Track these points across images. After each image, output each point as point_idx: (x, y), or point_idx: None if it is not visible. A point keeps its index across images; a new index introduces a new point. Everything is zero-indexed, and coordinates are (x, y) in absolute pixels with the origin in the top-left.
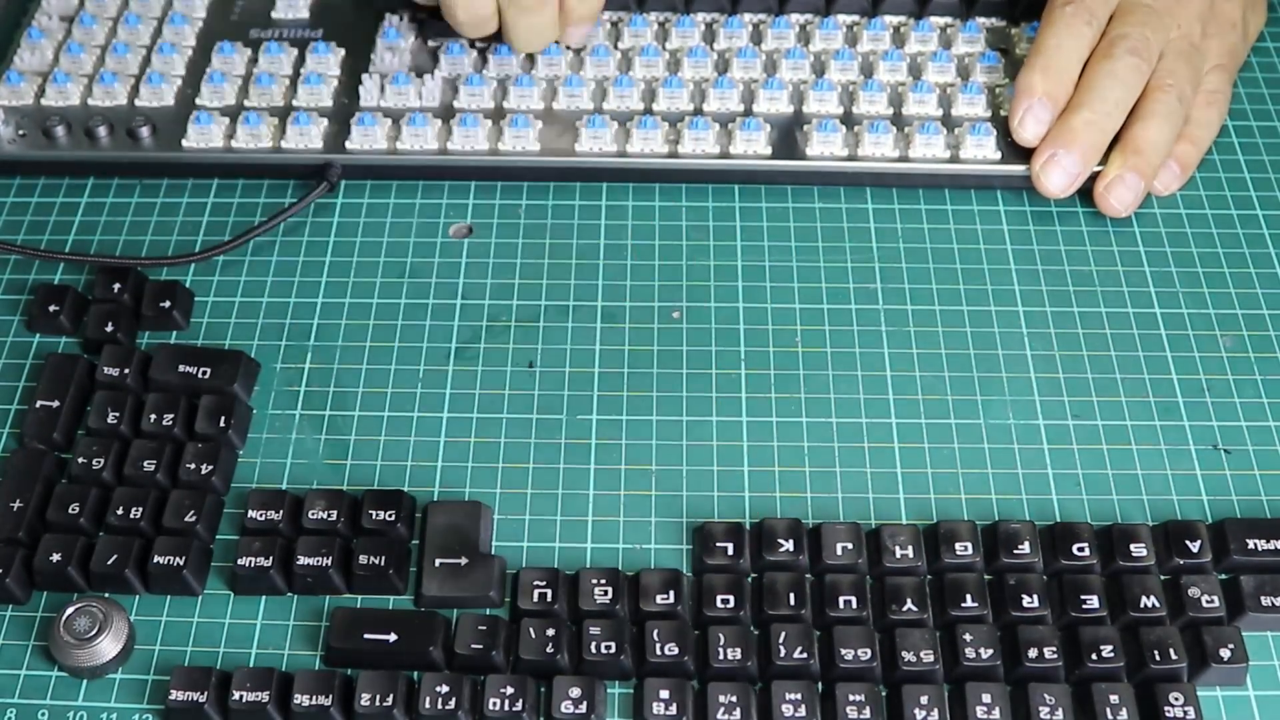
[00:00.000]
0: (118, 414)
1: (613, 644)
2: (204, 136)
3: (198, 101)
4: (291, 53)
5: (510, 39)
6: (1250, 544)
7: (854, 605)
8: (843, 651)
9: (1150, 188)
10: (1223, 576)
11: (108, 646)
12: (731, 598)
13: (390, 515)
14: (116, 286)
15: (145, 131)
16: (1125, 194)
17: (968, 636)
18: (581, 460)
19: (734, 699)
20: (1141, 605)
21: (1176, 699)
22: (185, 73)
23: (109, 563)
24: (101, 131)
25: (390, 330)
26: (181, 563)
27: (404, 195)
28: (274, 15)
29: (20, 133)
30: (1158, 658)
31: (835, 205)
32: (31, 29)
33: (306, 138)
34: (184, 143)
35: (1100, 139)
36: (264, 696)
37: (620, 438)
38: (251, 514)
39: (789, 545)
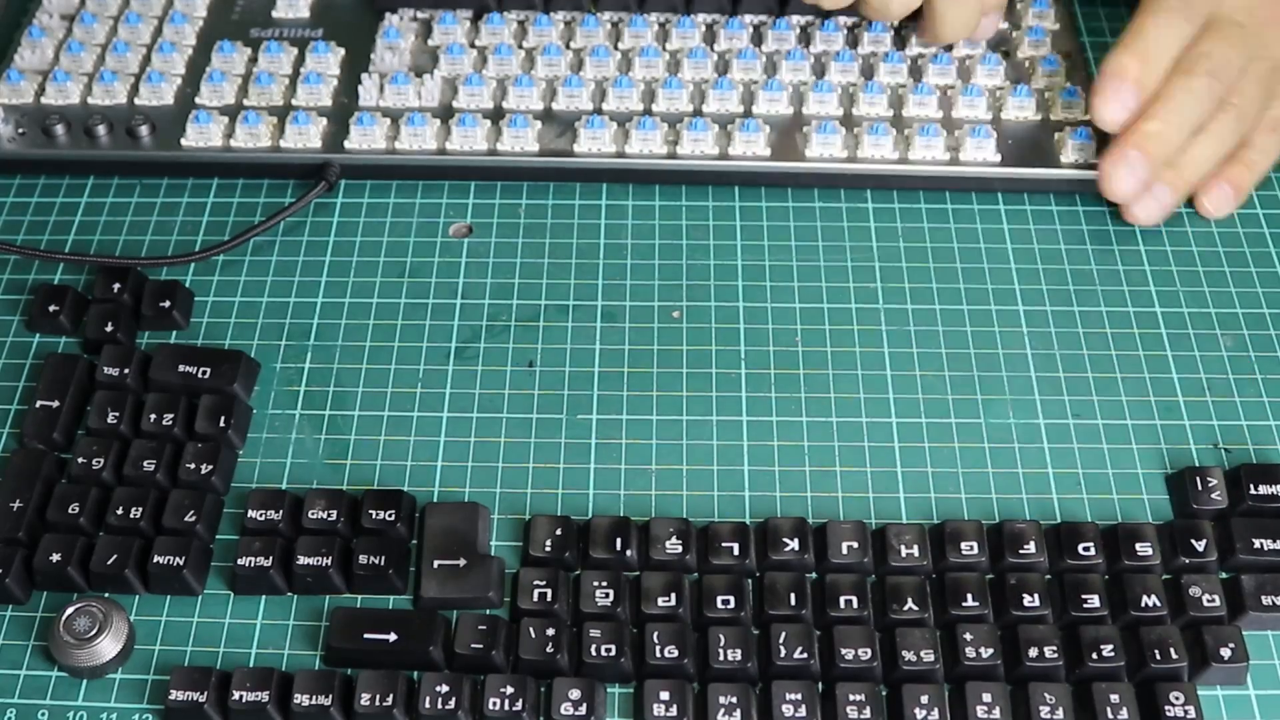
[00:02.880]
0: (118, 414)
1: (613, 647)
2: (203, 136)
3: (197, 101)
4: (291, 52)
5: (934, 28)
6: (1256, 543)
7: (855, 605)
8: (843, 651)
9: (1177, 199)
10: (1225, 576)
11: (108, 646)
12: (732, 598)
13: (390, 515)
14: (116, 286)
15: (145, 130)
16: (1125, 173)
17: (968, 636)
18: (581, 460)
19: (734, 699)
20: (1142, 605)
21: (1177, 698)
22: (185, 72)
23: (109, 563)
24: (101, 130)
25: (390, 330)
26: (181, 563)
27: (404, 195)
28: (274, 14)
29: (20, 131)
30: (1158, 657)
31: (835, 205)
32: (32, 27)
33: (305, 137)
34: (183, 142)
35: (1165, 151)
36: (264, 696)
37: (620, 438)
38: (251, 514)
39: (794, 544)
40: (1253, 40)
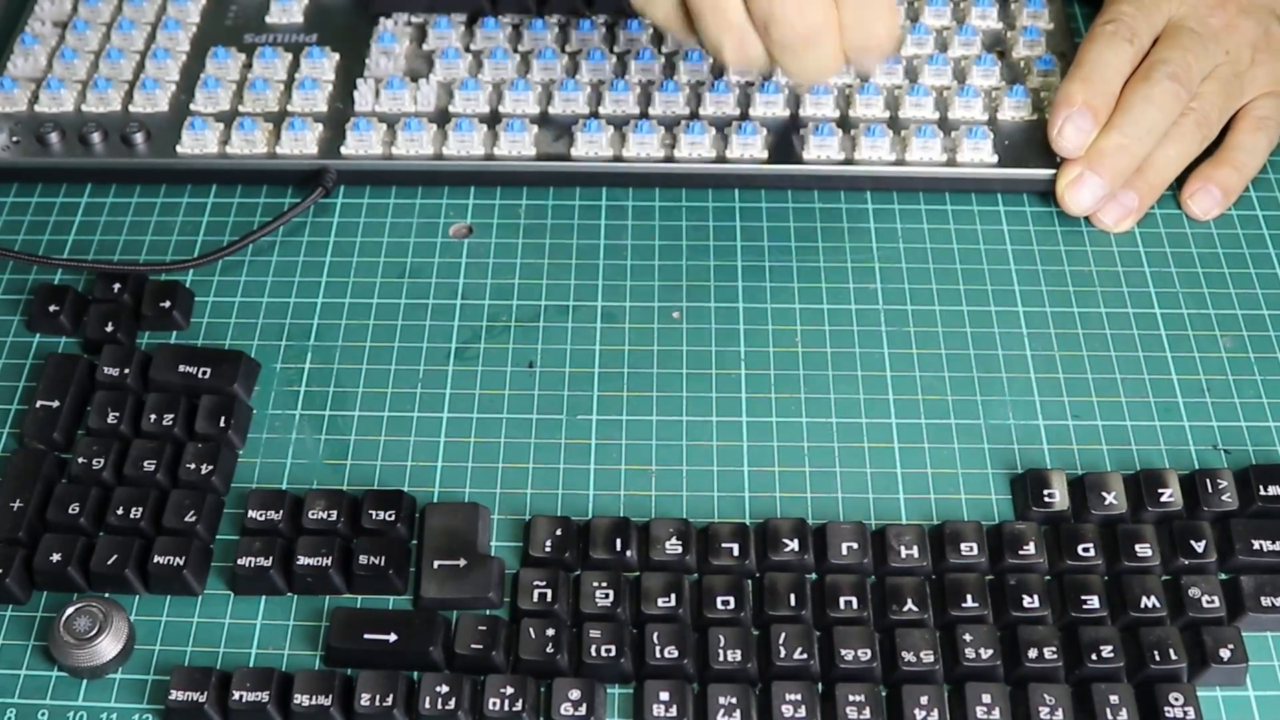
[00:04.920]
0: (118, 414)
1: (613, 647)
2: (199, 142)
3: (192, 107)
4: (286, 57)
5: (787, 74)
6: (1255, 544)
7: (854, 605)
8: (843, 652)
9: (1144, 205)
10: (1225, 577)
11: (108, 646)
12: (732, 599)
13: (390, 515)
14: (116, 287)
15: (140, 138)
16: (1083, 194)
17: (968, 637)
18: (581, 460)
19: (734, 700)
20: (1142, 605)
21: (1176, 699)
22: (179, 78)
23: (109, 563)
24: (96, 138)
25: (390, 330)
26: (181, 563)
27: (404, 196)
28: (268, 20)
29: (14, 139)
30: (1158, 658)
31: (835, 206)
32: (24, 35)
33: (301, 143)
34: (179, 149)
35: (1129, 163)
36: (264, 696)
37: (620, 438)
38: (251, 514)
39: (794, 545)
40: (1211, 45)
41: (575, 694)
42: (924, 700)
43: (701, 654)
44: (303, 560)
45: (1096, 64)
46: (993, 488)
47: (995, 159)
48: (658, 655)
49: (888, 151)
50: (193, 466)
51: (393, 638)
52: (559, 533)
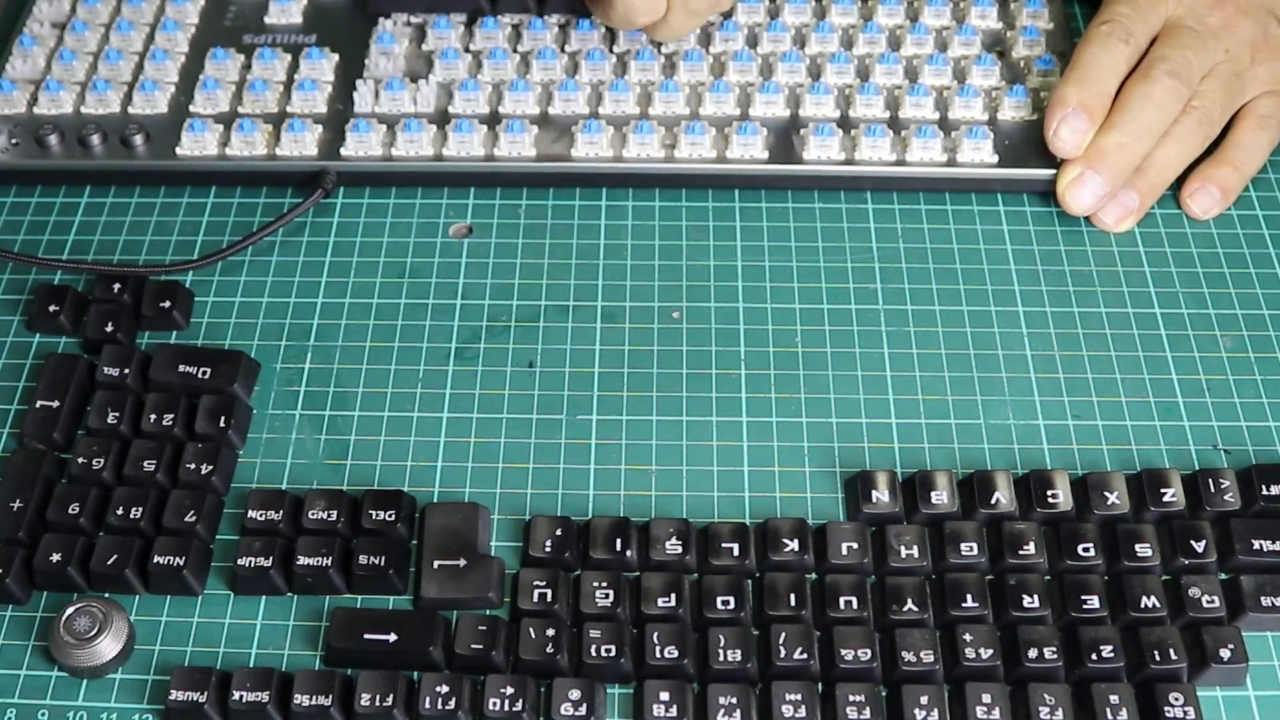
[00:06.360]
0: (118, 414)
1: (613, 647)
2: (198, 144)
3: (191, 109)
4: (285, 58)
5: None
6: (1255, 544)
7: (854, 605)
8: (843, 652)
9: (1145, 204)
10: (1225, 576)
11: (108, 646)
12: (732, 599)
13: (390, 515)
14: (116, 287)
15: (139, 139)
16: (1083, 193)
17: (968, 636)
18: (581, 460)
19: (734, 700)
20: (1142, 605)
21: (1176, 699)
22: (179, 79)
23: (109, 563)
24: (95, 140)
25: (390, 330)
26: (181, 563)
27: (404, 196)
28: (267, 20)
29: (13, 141)
30: (1158, 658)
31: (835, 206)
32: (23, 36)
33: (301, 144)
34: (178, 150)
35: (1130, 161)
36: (264, 696)
37: (620, 438)
38: (251, 514)
39: (794, 545)
40: (1210, 44)
41: (575, 694)
42: (924, 700)
43: (701, 654)
44: (303, 560)
45: (1091, 65)
46: None
47: (995, 159)
48: (658, 655)
49: (888, 152)
50: (193, 466)
51: (393, 638)
52: (559, 533)
